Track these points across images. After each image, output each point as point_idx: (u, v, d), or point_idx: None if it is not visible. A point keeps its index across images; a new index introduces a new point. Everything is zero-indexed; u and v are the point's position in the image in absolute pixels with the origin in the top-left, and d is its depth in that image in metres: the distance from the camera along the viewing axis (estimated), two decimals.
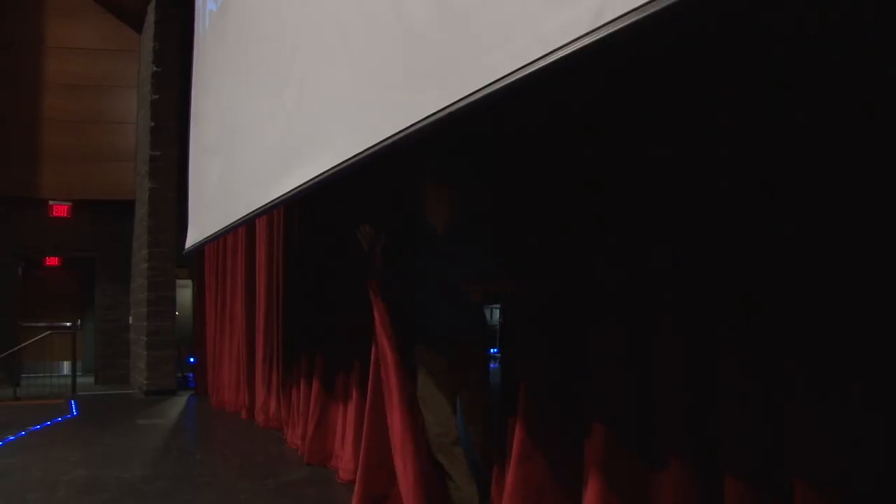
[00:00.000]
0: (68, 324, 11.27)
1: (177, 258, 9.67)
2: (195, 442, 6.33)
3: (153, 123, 9.45)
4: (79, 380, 10.29)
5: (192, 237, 6.34)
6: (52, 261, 12.08)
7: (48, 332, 10.40)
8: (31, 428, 6.92)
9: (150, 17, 9.73)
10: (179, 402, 8.99)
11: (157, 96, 9.45)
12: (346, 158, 3.15)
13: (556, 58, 1.91)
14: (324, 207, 5.30)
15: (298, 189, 3.66)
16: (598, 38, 1.77)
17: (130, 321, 10.98)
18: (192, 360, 10.59)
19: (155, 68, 9.46)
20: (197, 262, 9.86)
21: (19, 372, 10.22)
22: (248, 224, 5.95)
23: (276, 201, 4.11)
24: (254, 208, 4.48)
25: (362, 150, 3.00)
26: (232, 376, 7.97)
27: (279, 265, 6.55)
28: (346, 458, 4.71)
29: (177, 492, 4.49)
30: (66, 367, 12.61)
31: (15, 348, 10.13)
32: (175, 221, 9.56)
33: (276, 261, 6.68)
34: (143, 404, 8.71)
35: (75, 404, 8.76)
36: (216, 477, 4.91)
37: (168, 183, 9.53)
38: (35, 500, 4.32)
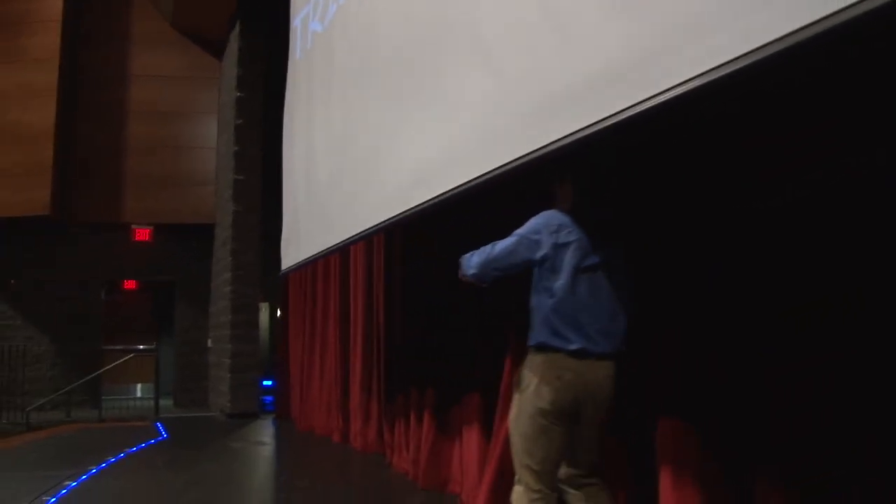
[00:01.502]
0: (147, 347, 11.44)
1: (257, 282, 9.73)
2: (297, 465, 6.26)
3: (237, 148, 9.54)
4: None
5: (291, 258, 6.31)
6: (129, 284, 12.24)
7: (131, 354, 10.52)
8: (129, 450, 6.93)
9: (234, 45, 9.86)
10: (264, 425, 8.98)
11: (240, 121, 9.54)
12: (485, 171, 3.13)
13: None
14: (436, 230, 5.21)
15: (430, 202, 3.60)
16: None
17: (209, 344, 11.04)
18: (267, 383, 10.61)
19: (238, 94, 9.56)
20: (281, 285, 9.88)
21: (100, 395, 10.33)
22: (356, 243, 5.90)
23: (401, 216, 4.02)
24: (370, 225, 4.42)
25: (505, 162, 2.97)
26: (323, 400, 7.91)
27: (379, 290, 6.49)
28: (468, 485, 4.58)
29: None
30: (139, 389, 12.80)
31: (100, 371, 10.24)
32: (257, 244, 9.62)
33: (375, 286, 6.63)
34: (229, 427, 8.70)
35: (161, 426, 8.79)
36: (334, 502, 4.82)
37: (251, 206, 9.60)
38: None
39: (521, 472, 2.71)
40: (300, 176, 6.22)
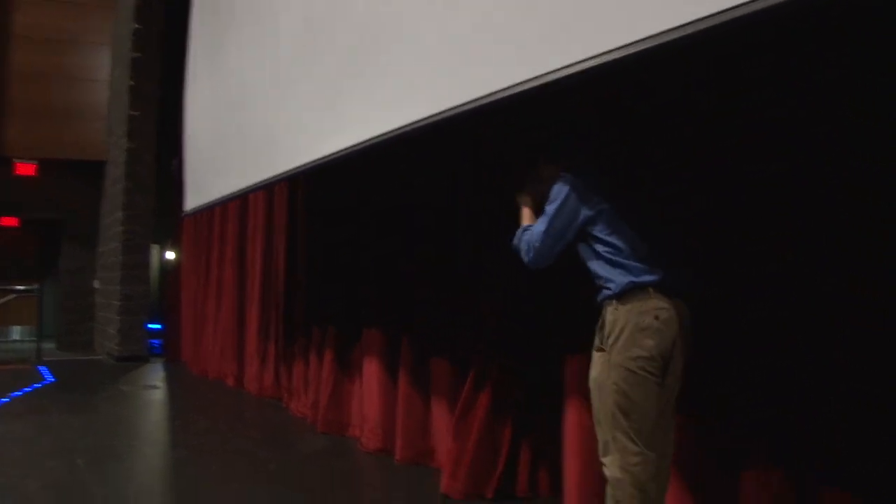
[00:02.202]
0: (28, 287, 10.91)
1: (151, 222, 9.45)
2: (194, 409, 6.23)
3: (132, 83, 9.14)
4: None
5: (195, 199, 6.17)
6: (10, 221, 11.61)
7: (12, 296, 10.06)
8: (13, 394, 6.71)
9: None
10: (154, 368, 8.82)
11: (138, 54, 9.14)
12: (416, 119, 3.09)
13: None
14: (349, 179, 5.23)
15: (357, 147, 3.57)
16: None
17: (96, 285, 10.68)
18: (154, 326, 10.36)
19: (136, 25, 9.13)
20: (175, 227, 9.64)
21: None
22: (270, 187, 5.82)
23: (327, 159, 3.93)
24: (286, 168, 4.37)
25: (443, 109, 2.93)
26: (217, 343, 7.84)
27: (281, 235, 6.45)
28: (369, 428, 4.71)
29: (202, 462, 4.42)
30: (17, 331, 12.26)
31: None
32: (152, 184, 9.32)
33: (275, 228, 6.59)
34: (119, 371, 8.49)
35: (46, 370, 8.50)
36: (235, 446, 4.85)
37: (146, 144, 9.26)
38: (57, 468, 4.20)
39: (611, 439, 2.42)
40: (206, 117, 6.06)
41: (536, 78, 2.43)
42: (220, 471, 4.24)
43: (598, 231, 2.54)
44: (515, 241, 2.75)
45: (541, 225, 2.62)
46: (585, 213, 2.54)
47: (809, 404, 2.43)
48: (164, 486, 4.00)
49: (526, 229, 2.72)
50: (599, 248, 2.53)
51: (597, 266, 2.55)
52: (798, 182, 2.50)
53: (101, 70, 10.68)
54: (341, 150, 3.76)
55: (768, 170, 2.59)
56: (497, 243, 3.85)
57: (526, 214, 2.83)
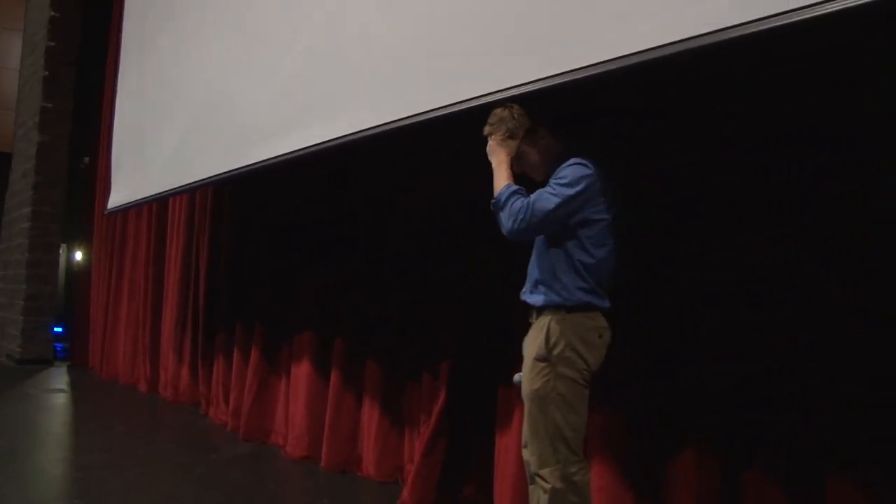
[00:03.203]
0: None
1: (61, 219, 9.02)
2: (106, 414, 5.94)
3: (47, 72, 8.72)
4: None
5: (120, 197, 5.91)
6: None
7: None
8: None
9: None
10: (59, 372, 8.39)
11: (53, 43, 8.73)
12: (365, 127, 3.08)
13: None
14: (280, 179, 5.11)
15: (297, 153, 3.51)
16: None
17: None
18: (58, 329, 9.88)
19: (52, 13, 8.72)
20: (84, 224, 9.23)
21: None
22: (200, 189, 5.63)
23: (266, 163, 3.86)
24: (220, 171, 4.25)
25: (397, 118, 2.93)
26: (129, 347, 7.53)
27: (203, 232, 6.25)
28: (295, 435, 4.59)
29: (118, 469, 4.21)
30: None
31: None
32: (65, 179, 8.91)
33: (197, 227, 6.38)
34: (20, 374, 8.04)
35: None
36: (155, 452, 4.65)
37: (60, 137, 8.83)
38: None
39: (551, 451, 2.38)
40: (136, 113, 5.82)
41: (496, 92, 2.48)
42: (138, 476, 4.05)
43: (586, 237, 2.43)
44: (499, 201, 2.45)
45: (548, 202, 2.37)
46: (588, 213, 2.42)
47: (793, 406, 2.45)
48: (79, 489, 3.78)
49: (516, 192, 2.43)
50: (576, 254, 2.43)
51: (560, 269, 2.45)
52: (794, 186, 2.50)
53: (11, 58, 10.17)
54: (276, 157, 3.70)
55: (755, 174, 2.59)
56: (434, 241, 3.89)
57: (502, 173, 2.52)
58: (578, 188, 2.39)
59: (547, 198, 2.39)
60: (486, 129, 2.59)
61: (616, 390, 2.82)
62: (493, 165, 2.55)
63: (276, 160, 3.68)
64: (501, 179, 2.50)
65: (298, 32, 3.62)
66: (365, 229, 4.39)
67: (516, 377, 2.55)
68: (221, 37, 4.43)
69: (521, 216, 2.38)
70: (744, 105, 2.60)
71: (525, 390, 2.47)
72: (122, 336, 7.73)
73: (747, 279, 2.55)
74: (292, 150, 3.53)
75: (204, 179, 4.45)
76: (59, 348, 9.62)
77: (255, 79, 3.99)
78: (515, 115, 2.55)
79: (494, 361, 3.46)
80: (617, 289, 2.51)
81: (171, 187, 4.90)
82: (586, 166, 2.42)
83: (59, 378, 7.86)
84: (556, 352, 2.39)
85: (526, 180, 2.58)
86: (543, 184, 2.48)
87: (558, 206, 2.37)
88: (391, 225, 4.22)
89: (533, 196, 2.41)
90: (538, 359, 2.42)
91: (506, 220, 2.42)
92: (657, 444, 2.80)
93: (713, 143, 2.69)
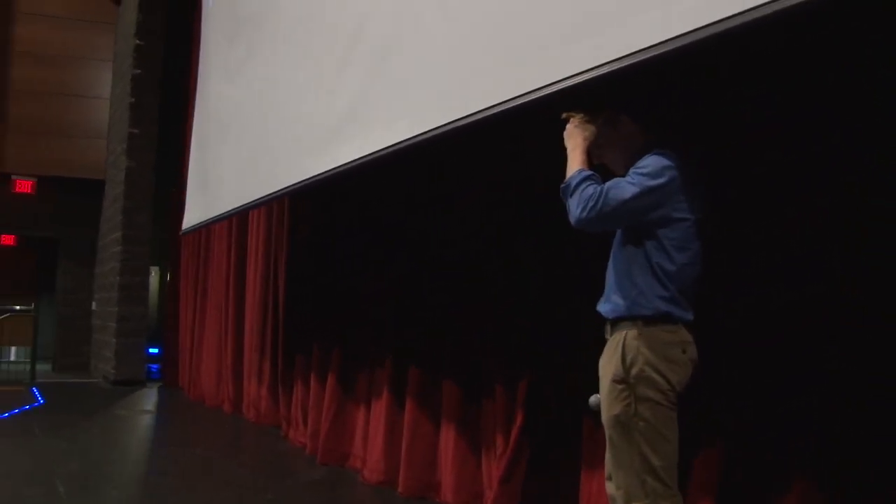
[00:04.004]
0: (25, 307, 10.67)
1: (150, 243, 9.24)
2: (189, 436, 5.96)
3: (133, 99, 8.97)
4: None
5: (194, 217, 5.95)
6: (7, 239, 11.42)
7: (6, 314, 9.83)
8: (1, 415, 6.45)
9: None
10: (150, 393, 8.55)
11: (138, 71, 8.98)
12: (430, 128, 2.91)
13: None
14: (357, 195, 5.01)
15: (362, 160, 3.38)
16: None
17: (94, 307, 10.43)
18: (153, 350, 10.11)
19: (137, 41, 8.98)
20: (171, 246, 9.42)
21: None
22: (271, 202, 5.61)
23: (328, 174, 3.78)
24: (288, 183, 4.17)
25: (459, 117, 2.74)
26: (214, 368, 7.58)
27: (281, 252, 6.22)
28: (373, 459, 4.43)
29: (193, 490, 4.16)
30: (13, 352, 11.98)
31: None
32: (150, 204, 9.13)
33: (275, 247, 6.35)
34: (114, 394, 8.22)
35: (38, 392, 8.24)
36: (230, 475, 4.59)
37: (145, 162, 9.06)
38: (35, 497, 3.94)
39: (639, 484, 2.11)
40: (211, 133, 5.86)
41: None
42: (212, 500, 3.97)
43: (667, 238, 2.15)
44: (569, 186, 2.20)
45: (624, 191, 2.11)
46: (670, 210, 2.15)
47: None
48: None
49: (589, 178, 2.18)
50: (655, 256, 2.15)
51: (637, 272, 2.17)
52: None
53: (103, 87, 10.53)
54: (342, 165, 3.59)
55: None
56: (512, 254, 3.68)
57: (576, 158, 2.28)
58: (661, 180, 2.12)
59: (624, 186, 2.12)
60: (565, 114, 2.37)
61: (715, 412, 2.54)
62: (568, 150, 2.32)
63: (332, 172, 3.58)
64: (575, 164, 2.26)
65: (364, 36, 3.50)
66: (437, 241, 4.21)
67: (592, 399, 2.30)
68: (282, 52, 4.36)
69: (591, 203, 2.11)
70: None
71: (604, 416, 2.21)
72: (207, 357, 7.79)
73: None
74: (348, 160, 3.41)
75: (269, 194, 4.38)
76: (153, 369, 9.87)
77: (313, 91, 3.89)
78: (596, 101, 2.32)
79: (576, 380, 3.19)
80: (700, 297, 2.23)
81: (236, 205, 4.86)
82: (670, 157, 2.17)
83: (148, 399, 7.99)
84: (634, 371, 2.12)
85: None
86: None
87: (636, 197, 2.10)
88: (465, 238, 4.03)
89: (608, 183, 2.15)
90: (615, 380, 2.15)
91: (574, 208, 2.16)
92: (764, 475, 2.49)
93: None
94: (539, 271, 3.50)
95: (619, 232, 2.28)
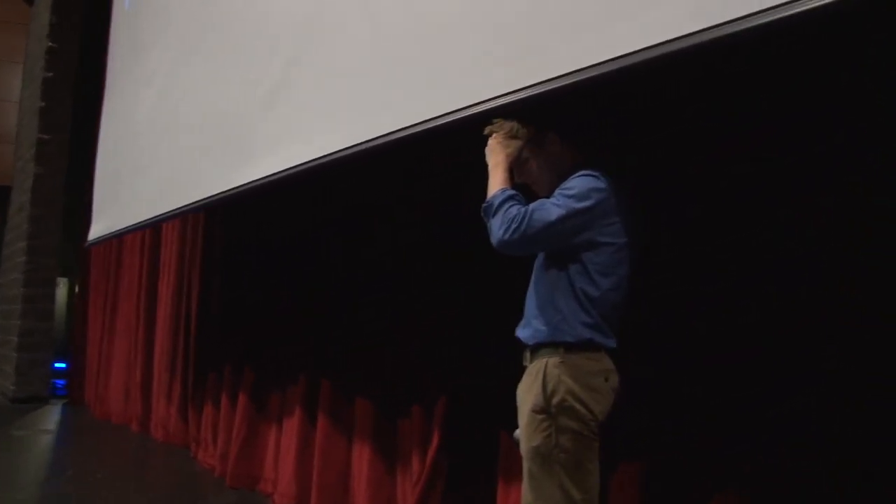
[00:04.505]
0: None
1: (59, 253, 8.82)
2: (92, 458, 5.64)
3: (43, 104, 8.57)
4: None
5: (101, 227, 5.68)
6: None
7: None
8: None
9: None
10: (54, 411, 8.11)
11: (50, 74, 8.59)
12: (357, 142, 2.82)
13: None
14: (271, 211, 4.87)
15: (290, 171, 3.26)
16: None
17: None
18: (60, 365, 9.65)
19: (50, 44, 8.60)
20: (80, 258, 9.02)
21: None
22: (185, 215, 5.39)
23: (231, 192, 3.67)
24: (204, 196, 4.00)
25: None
26: (121, 385, 7.26)
27: (195, 266, 6.01)
28: (284, 483, 4.28)
29: None
30: None
31: None
32: (60, 213, 8.72)
33: (189, 261, 6.14)
34: (13, 413, 7.76)
35: None
36: (134, 500, 4.36)
37: (55, 170, 8.65)
38: None
39: None
40: (122, 140, 5.62)
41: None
42: None
43: (591, 262, 2.08)
44: (491, 206, 2.11)
45: (549, 213, 2.03)
46: (596, 234, 2.08)
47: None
48: None
49: (512, 198, 2.09)
50: (579, 281, 2.08)
51: (560, 297, 2.10)
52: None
53: (11, 91, 10.07)
54: (257, 180, 3.47)
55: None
56: (428, 272, 3.60)
57: (497, 175, 2.19)
58: (587, 203, 2.05)
59: (549, 208, 2.04)
60: (487, 129, 2.29)
61: (632, 437, 2.49)
62: (490, 167, 2.23)
63: (257, 183, 3.45)
64: (496, 182, 2.17)
65: (279, 45, 3.39)
66: (353, 258, 4.12)
67: (516, 434, 2.20)
68: (203, 57, 4.21)
69: (514, 225, 2.02)
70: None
71: (523, 447, 2.12)
72: (115, 373, 7.47)
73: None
74: (274, 171, 3.30)
75: (183, 207, 4.20)
76: (60, 385, 9.39)
77: (232, 101, 3.76)
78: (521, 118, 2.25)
79: (496, 400, 3.12)
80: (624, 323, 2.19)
81: (148, 216, 4.66)
82: (599, 179, 2.10)
83: (50, 417, 7.59)
84: (555, 401, 2.04)
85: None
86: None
87: (561, 219, 2.03)
88: (381, 255, 3.94)
89: (533, 205, 2.06)
90: (535, 410, 2.06)
91: (497, 229, 2.06)
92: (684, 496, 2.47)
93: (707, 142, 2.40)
94: (458, 289, 3.44)
95: (541, 255, 2.21)
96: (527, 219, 2.02)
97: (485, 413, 3.23)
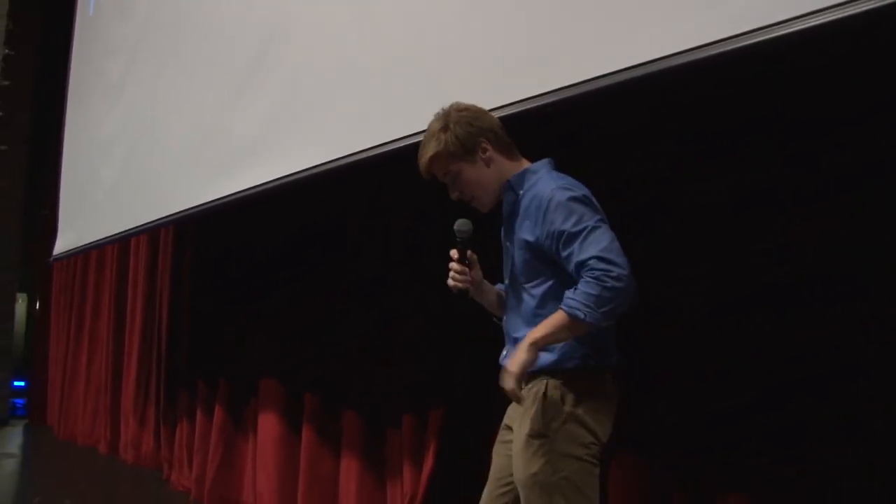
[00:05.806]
0: None
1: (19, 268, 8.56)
2: (58, 482, 5.41)
3: (1, 114, 8.31)
4: None
5: (67, 242, 5.49)
6: None
7: None
8: None
9: None
10: (15, 433, 7.83)
11: (7, 82, 8.33)
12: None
13: None
14: (243, 223, 4.72)
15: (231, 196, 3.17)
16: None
17: None
18: (19, 384, 9.36)
19: (7, 51, 8.34)
20: (40, 273, 8.76)
21: None
22: (156, 229, 5.22)
23: (202, 207, 3.55)
24: (175, 210, 3.87)
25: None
26: (88, 405, 7.01)
27: (165, 281, 5.82)
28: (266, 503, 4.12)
29: None
30: None
31: None
32: (20, 226, 8.46)
33: (160, 276, 5.94)
34: None
35: None
36: None
37: (13, 181, 8.39)
38: None
39: None
40: (85, 152, 5.43)
41: None
42: None
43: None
44: (582, 309, 1.78)
45: (602, 236, 1.82)
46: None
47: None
48: None
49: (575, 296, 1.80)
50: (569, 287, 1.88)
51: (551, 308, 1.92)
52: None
53: None
54: (233, 194, 3.38)
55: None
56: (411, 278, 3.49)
57: (546, 332, 1.87)
58: (585, 190, 1.92)
59: (597, 238, 1.81)
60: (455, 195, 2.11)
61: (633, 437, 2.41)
62: (527, 359, 1.86)
63: (223, 200, 3.34)
64: (550, 328, 1.86)
65: (256, 49, 3.28)
66: (336, 267, 3.99)
67: (459, 224, 2.10)
68: (172, 69, 4.07)
69: (610, 277, 1.76)
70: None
71: (519, 475, 1.95)
72: (82, 393, 7.22)
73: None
74: (251, 185, 3.18)
75: (153, 221, 4.06)
76: (19, 404, 9.10)
77: (206, 113, 3.63)
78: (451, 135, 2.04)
79: (495, 412, 3.02)
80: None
81: (116, 231, 4.50)
82: (565, 178, 1.97)
83: (12, 440, 7.32)
84: (555, 425, 1.90)
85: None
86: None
87: (609, 233, 1.84)
88: (365, 262, 3.82)
89: (574, 252, 1.83)
90: (533, 435, 1.91)
91: (608, 313, 1.78)
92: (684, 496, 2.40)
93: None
94: (445, 297, 3.33)
95: (515, 276, 2.04)
96: (603, 272, 1.77)
97: (479, 424, 3.12)
